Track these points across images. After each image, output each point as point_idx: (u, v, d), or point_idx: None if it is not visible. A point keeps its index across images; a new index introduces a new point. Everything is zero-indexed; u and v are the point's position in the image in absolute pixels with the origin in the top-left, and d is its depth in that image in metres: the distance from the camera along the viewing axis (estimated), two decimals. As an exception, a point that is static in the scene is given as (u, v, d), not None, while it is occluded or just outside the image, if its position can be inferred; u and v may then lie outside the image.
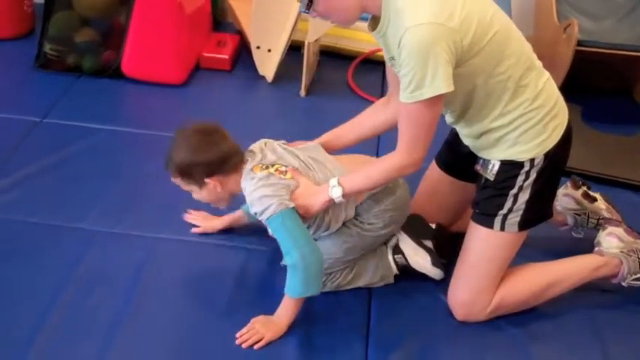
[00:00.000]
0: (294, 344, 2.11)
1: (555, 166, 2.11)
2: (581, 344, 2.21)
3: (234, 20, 3.87)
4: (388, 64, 2.08)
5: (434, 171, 2.44)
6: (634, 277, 2.29)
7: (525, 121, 2.03)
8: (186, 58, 3.48)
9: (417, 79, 1.84)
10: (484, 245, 2.17)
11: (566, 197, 2.49)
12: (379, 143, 2.91)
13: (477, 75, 1.95)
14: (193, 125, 2.13)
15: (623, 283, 2.30)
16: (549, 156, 2.07)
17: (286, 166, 2.10)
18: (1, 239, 2.42)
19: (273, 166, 2.10)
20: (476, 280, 2.18)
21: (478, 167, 2.17)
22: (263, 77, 3.53)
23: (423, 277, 2.33)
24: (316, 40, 3.41)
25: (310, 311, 2.21)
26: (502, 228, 2.12)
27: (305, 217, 2.10)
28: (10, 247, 2.39)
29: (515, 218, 2.12)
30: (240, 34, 3.77)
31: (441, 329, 2.22)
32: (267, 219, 2.02)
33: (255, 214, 2.08)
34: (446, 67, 1.84)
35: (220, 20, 4.02)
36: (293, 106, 3.33)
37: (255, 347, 2.08)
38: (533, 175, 2.08)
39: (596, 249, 2.35)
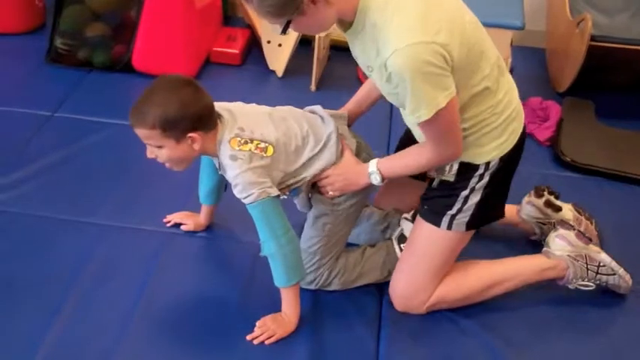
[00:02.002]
0: (306, 340, 2.11)
1: (508, 168, 2.11)
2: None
3: (244, 15, 3.86)
4: (363, 70, 2.02)
5: None
6: (581, 282, 2.28)
7: (486, 125, 2.00)
8: (196, 52, 3.48)
9: (415, 100, 1.81)
10: (429, 242, 2.16)
11: (528, 205, 2.45)
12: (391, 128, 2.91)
13: (456, 83, 1.87)
14: (173, 77, 2.04)
15: (570, 286, 2.29)
16: (504, 160, 2.06)
17: (267, 142, 2.04)
18: (13, 233, 2.43)
19: (252, 141, 2.02)
20: (416, 275, 2.18)
21: (432, 172, 2.12)
22: (273, 72, 3.53)
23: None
24: (327, 35, 3.40)
25: (322, 308, 2.21)
26: (449, 227, 2.12)
27: (342, 191, 2.11)
28: (22, 242, 2.40)
29: (463, 219, 2.10)
30: (251, 28, 3.75)
31: (453, 326, 2.21)
32: (248, 205, 2.01)
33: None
34: (441, 80, 1.79)
35: (231, 15, 4.02)
36: (303, 100, 3.26)
37: (267, 342, 2.08)
38: (486, 178, 2.07)
39: (544, 250, 2.33)
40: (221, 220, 2.51)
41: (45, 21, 3.79)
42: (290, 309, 2.12)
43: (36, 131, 2.97)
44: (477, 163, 2.05)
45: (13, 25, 3.71)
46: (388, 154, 2.72)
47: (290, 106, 2.21)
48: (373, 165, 2.06)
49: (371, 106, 2.33)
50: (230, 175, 2.00)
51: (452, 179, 2.08)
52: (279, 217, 2.03)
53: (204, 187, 2.38)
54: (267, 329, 2.10)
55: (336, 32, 3.51)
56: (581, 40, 3.18)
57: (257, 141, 2.02)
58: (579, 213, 2.42)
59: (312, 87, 3.41)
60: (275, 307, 2.15)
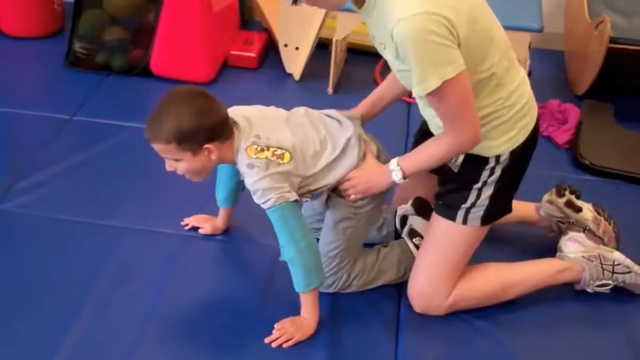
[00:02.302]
0: (324, 342, 2.11)
1: (520, 164, 2.11)
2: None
3: (261, 18, 3.86)
4: (377, 48, 2.02)
5: None
6: (598, 283, 2.27)
7: (496, 118, 2.01)
8: (214, 56, 3.49)
9: (421, 71, 1.82)
10: (445, 237, 2.16)
11: (548, 204, 2.43)
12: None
13: None
14: (185, 89, 2.05)
15: (588, 289, 2.28)
16: (515, 154, 2.06)
17: (283, 149, 2.04)
18: (32, 236, 2.45)
19: (269, 149, 2.02)
20: (434, 273, 2.17)
21: None
22: (290, 75, 3.53)
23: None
24: (344, 38, 3.40)
25: (340, 310, 2.21)
26: (464, 221, 2.12)
27: (365, 193, 2.11)
28: (41, 244, 2.41)
29: (478, 212, 2.11)
30: (268, 32, 3.76)
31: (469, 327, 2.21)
32: (267, 210, 2.01)
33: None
34: (446, 51, 1.80)
35: (248, 19, 4.02)
36: (320, 103, 3.25)
37: (285, 345, 2.08)
38: (498, 172, 2.07)
39: (558, 254, 2.32)
40: (238, 223, 2.51)
41: (64, 25, 3.81)
42: (309, 313, 2.12)
43: (55, 134, 2.99)
44: (487, 156, 2.06)
45: (32, 29, 3.74)
46: (405, 151, 2.72)
47: (306, 108, 2.21)
48: (394, 163, 2.06)
49: (384, 108, 2.33)
50: (248, 182, 2.01)
51: (456, 170, 2.10)
52: (298, 221, 2.03)
53: (222, 190, 2.39)
54: (286, 332, 2.10)
55: (353, 35, 3.53)
56: (600, 42, 3.17)
57: (273, 148, 2.03)
58: (599, 213, 2.42)
59: (330, 90, 3.41)
60: (293, 309, 2.15)
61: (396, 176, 2.06)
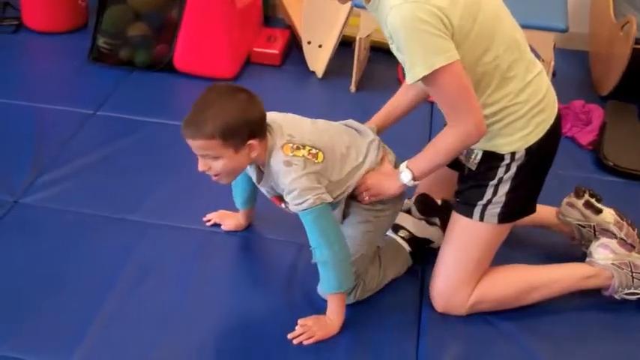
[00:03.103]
0: (345, 339, 2.11)
1: (539, 161, 2.09)
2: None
3: (284, 15, 3.87)
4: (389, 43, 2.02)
5: None
6: (627, 291, 2.24)
7: (509, 114, 2.00)
8: (237, 52, 3.49)
9: (411, 57, 1.83)
10: (463, 235, 2.16)
11: (568, 206, 2.40)
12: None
13: (463, 60, 1.88)
14: (225, 85, 2.05)
15: (616, 296, 2.25)
16: (531, 151, 2.05)
17: (317, 148, 2.04)
18: (55, 230, 2.46)
19: (304, 147, 2.02)
20: (455, 271, 2.17)
21: (461, 157, 2.14)
22: (313, 72, 3.53)
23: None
24: (367, 36, 3.39)
25: (361, 308, 2.21)
26: (481, 218, 2.11)
27: (378, 196, 2.10)
28: (64, 238, 2.43)
29: (494, 210, 2.10)
30: (291, 29, 3.76)
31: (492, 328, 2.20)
32: (301, 212, 2.00)
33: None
34: (437, 40, 1.80)
35: (271, 15, 4.02)
36: (343, 101, 3.31)
37: (305, 343, 2.08)
38: (513, 169, 2.06)
39: (588, 259, 2.29)
40: (260, 219, 2.52)
41: (88, 20, 3.82)
42: (335, 315, 2.12)
43: (78, 129, 3.00)
44: (502, 152, 2.05)
45: (57, 25, 3.76)
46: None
47: (326, 120, 2.21)
48: (403, 166, 2.06)
49: (399, 118, 2.33)
50: (285, 181, 1.99)
51: (473, 168, 2.10)
52: (333, 223, 2.04)
53: (240, 195, 2.40)
54: (308, 329, 2.10)
55: (376, 34, 3.52)
56: (626, 43, 3.14)
57: (308, 147, 2.02)
58: (621, 218, 2.39)
59: (352, 88, 3.41)
60: (315, 305, 2.17)
61: (406, 177, 2.05)
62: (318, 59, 3.50)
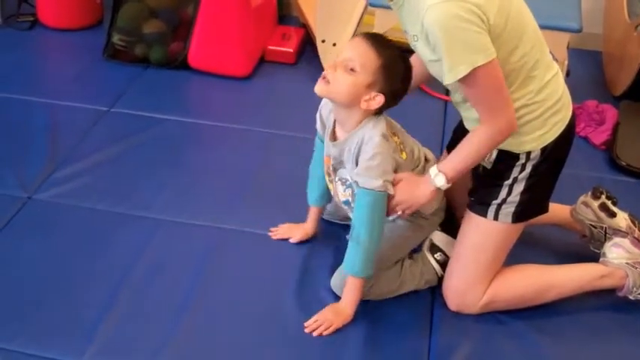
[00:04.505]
0: (358, 338, 2.12)
1: (553, 162, 2.10)
2: None
3: (299, 14, 3.87)
4: (410, 42, 2.03)
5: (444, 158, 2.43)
6: None
7: (526, 113, 2.00)
8: (251, 50, 3.50)
9: (451, 57, 1.82)
10: (477, 234, 2.16)
11: (583, 205, 2.39)
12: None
13: None
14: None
15: (630, 297, 2.24)
16: (547, 151, 2.05)
17: (403, 146, 2.10)
18: (69, 226, 2.48)
19: (398, 137, 2.08)
20: (468, 269, 2.17)
21: None
22: (327, 71, 3.53)
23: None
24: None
25: (374, 306, 2.21)
26: (496, 217, 2.12)
27: (413, 208, 2.10)
28: (77, 234, 2.44)
29: (509, 209, 2.10)
30: (305, 27, 3.77)
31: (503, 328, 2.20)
32: (363, 189, 2.02)
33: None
34: (477, 38, 1.81)
35: (285, 14, 4.03)
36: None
37: (325, 333, 2.09)
38: (528, 168, 2.07)
39: (601, 259, 2.28)
40: (273, 218, 2.52)
41: (103, 17, 3.84)
42: (351, 297, 2.12)
43: (92, 125, 3.02)
44: (517, 152, 2.06)
45: (72, 21, 3.77)
46: (441, 151, 2.72)
47: None
48: (434, 170, 2.05)
49: None
50: (369, 150, 2.00)
51: (489, 166, 2.10)
52: (383, 215, 2.07)
53: (317, 190, 2.37)
54: (325, 319, 2.11)
55: (391, 32, 3.52)
56: (639, 44, 3.13)
57: (399, 141, 2.08)
58: (634, 223, 2.38)
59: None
60: (326, 304, 2.17)
61: (440, 181, 2.04)
62: (332, 57, 3.50)
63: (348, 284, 2.13)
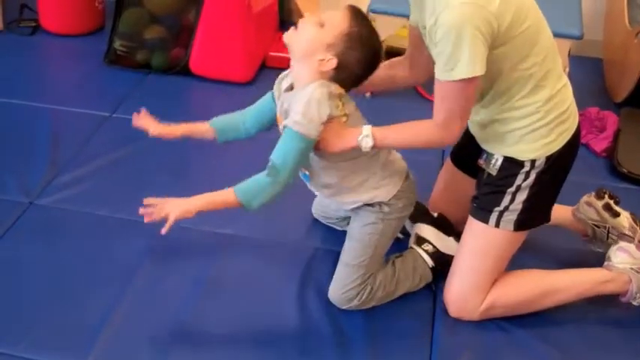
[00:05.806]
0: (359, 345, 2.12)
1: (557, 171, 2.11)
2: None
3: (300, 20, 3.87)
4: (422, 33, 2.03)
5: (448, 166, 2.46)
6: None
7: (534, 121, 2.02)
8: (253, 56, 3.51)
9: (452, 59, 1.84)
10: (478, 240, 2.17)
11: (587, 205, 2.41)
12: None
13: (503, 63, 1.93)
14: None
15: (634, 302, 2.24)
16: (551, 160, 2.06)
17: (347, 111, 2.03)
18: (71, 231, 2.48)
19: (344, 106, 2.01)
20: (469, 275, 2.17)
21: (481, 161, 2.16)
22: (328, 77, 3.53)
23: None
24: (382, 41, 3.40)
25: (375, 313, 2.22)
26: (497, 224, 2.12)
27: (323, 151, 2.04)
28: (80, 239, 2.45)
29: (511, 217, 2.10)
30: (307, 33, 3.77)
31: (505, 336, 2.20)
32: (287, 126, 1.98)
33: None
34: (481, 48, 1.83)
35: (286, 19, 4.03)
36: (358, 106, 3.31)
37: (155, 218, 2.01)
38: (532, 176, 2.07)
39: (605, 263, 2.28)
40: (274, 223, 2.53)
41: (104, 23, 3.85)
42: (202, 201, 2.03)
43: (94, 131, 3.02)
44: (522, 159, 2.06)
45: (74, 27, 3.78)
46: (443, 158, 2.73)
47: None
48: (367, 129, 2.01)
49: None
50: (306, 89, 1.97)
51: (494, 173, 2.11)
52: (301, 160, 2.01)
53: (227, 121, 2.40)
54: (162, 209, 2.02)
55: (391, 39, 3.53)
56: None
57: (343, 109, 2.01)
58: (636, 223, 2.39)
59: (367, 93, 3.41)
60: (329, 307, 2.19)
61: (366, 143, 2.00)
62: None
63: (218, 195, 2.04)
